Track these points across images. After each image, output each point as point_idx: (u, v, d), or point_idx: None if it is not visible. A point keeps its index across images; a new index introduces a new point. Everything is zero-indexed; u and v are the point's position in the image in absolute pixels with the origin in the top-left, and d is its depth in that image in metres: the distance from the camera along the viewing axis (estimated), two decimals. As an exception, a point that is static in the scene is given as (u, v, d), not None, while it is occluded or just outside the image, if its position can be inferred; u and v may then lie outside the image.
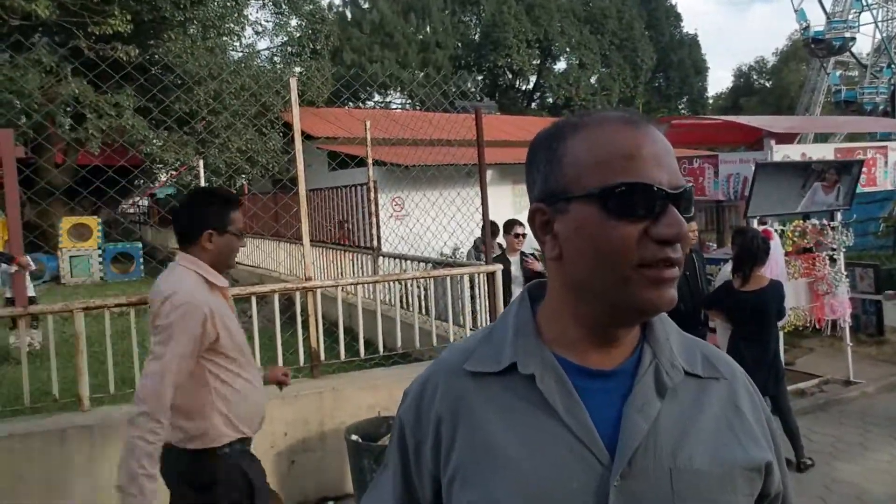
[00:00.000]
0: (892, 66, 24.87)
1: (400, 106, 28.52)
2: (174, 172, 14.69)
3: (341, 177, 9.81)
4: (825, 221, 7.28)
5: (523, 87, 31.30)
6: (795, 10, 24.82)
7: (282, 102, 12.04)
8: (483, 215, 4.86)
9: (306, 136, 9.19)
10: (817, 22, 25.57)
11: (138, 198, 20.18)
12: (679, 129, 8.58)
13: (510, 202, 14.19)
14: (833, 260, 7.22)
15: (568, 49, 28.71)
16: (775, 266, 6.16)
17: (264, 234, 10.77)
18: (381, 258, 6.65)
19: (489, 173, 13.69)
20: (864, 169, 7.51)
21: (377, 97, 29.32)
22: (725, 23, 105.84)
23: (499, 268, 4.90)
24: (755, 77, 53.40)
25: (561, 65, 30.39)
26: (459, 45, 28.88)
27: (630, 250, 0.80)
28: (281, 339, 4.31)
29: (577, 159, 0.85)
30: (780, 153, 6.99)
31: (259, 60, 14.50)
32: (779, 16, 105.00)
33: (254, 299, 4.14)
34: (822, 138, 15.79)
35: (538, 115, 26.65)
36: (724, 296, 4.51)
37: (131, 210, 21.28)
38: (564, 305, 0.89)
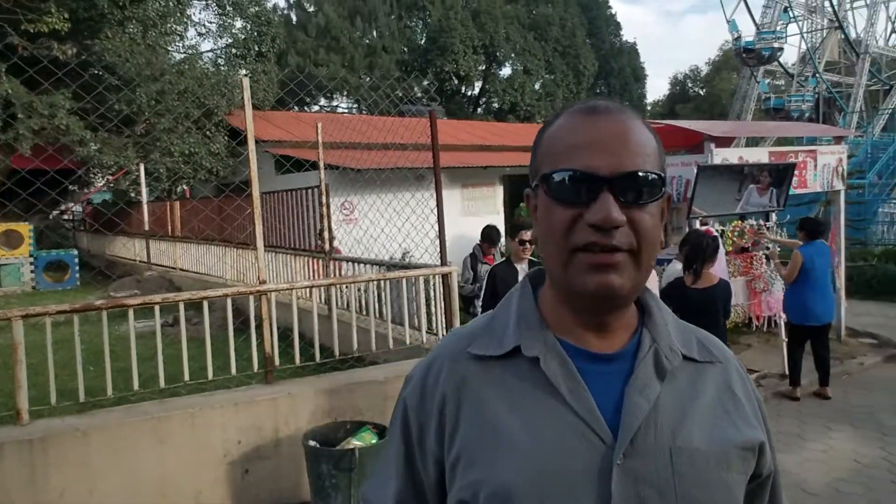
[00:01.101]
0: (817, 75, 26.24)
1: (347, 110, 28.34)
2: (111, 177, 14.16)
3: (291, 180, 9.67)
4: (762, 222, 7.63)
5: (469, 93, 31.57)
6: (728, 21, 25.92)
7: (227, 105, 11.79)
8: (438, 218, 4.88)
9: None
10: (749, 33, 26.80)
11: (73, 203, 19.36)
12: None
13: (459, 206, 14.26)
14: (769, 259, 7.55)
15: (513, 55, 29.12)
16: (717, 265, 6.41)
17: (211, 239, 10.50)
18: (333, 262, 6.59)
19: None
20: (795, 172, 7.90)
21: (323, 101, 29.04)
22: (662, 33, 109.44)
23: (454, 269, 4.92)
24: (690, 85, 55.36)
25: (506, 70, 30.82)
26: (406, 49, 28.91)
27: (565, 234, 0.84)
28: (234, 344, 4.22)
29: (543, 148, 0.91)
30: (720, 156, 7.27)
31: (202, 62, 14.15)
32: (712, 27, 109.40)
33: (206, 304, 4.03)
34: (752, 143, 16.48)
35: (484, 120, 26.90)
36: (675, 292, 4.66)
37: (66, 216, 20.40)
38: (552, 290, 0.93)
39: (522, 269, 4.92)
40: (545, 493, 0.82)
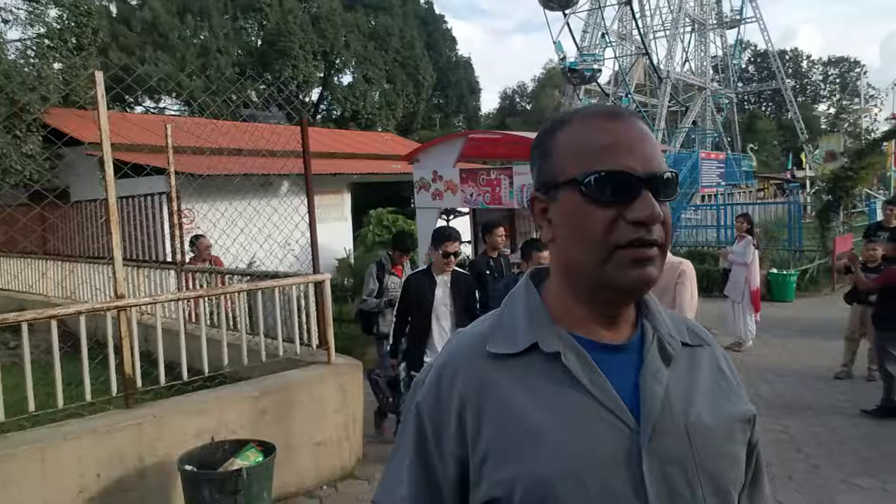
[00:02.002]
0: (629, 95, 29.21)
1: (178, 112, 26.47)
2: None
3: (120, 186, 8.83)
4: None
5: (308, 99, 31.01)
6: (554, 42, 28.05)
7: (42, 102, 10.51)
8: (310, 225, 4.75)
9: (74, 141, 8.15)
10: (573, 54, 29.14)
11: None
12: (476, 142, 9.21)
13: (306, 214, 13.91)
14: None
15: (354, 63, 29.08)
16: None
17: (30, 252, 9.27)
18: (188, 273, 6.14)
19: (285, 184, 13.34)
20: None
21: (149, 102, 26.90)
22: (490, 50, 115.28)
23: (326, 277, 4.81)
24: (518, 100, 58.98)
25: (347, 78, 30.70)
26: (242, 51, 27.71)
27: (606, 233, 0.87)
28: (88, 367, 3.78)
29: (563, 150, 0.93)
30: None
31: (8, 53, 12.47)
32: (534, 46, 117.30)
33: (54, 323, 3.57)
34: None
35: (325, 127, 26.53)
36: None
37: None
38: (565, 287, 0.96)
39: (444, 280, 4.56)
40: (582, 481, 0.85)
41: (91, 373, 3.81)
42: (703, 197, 18.48)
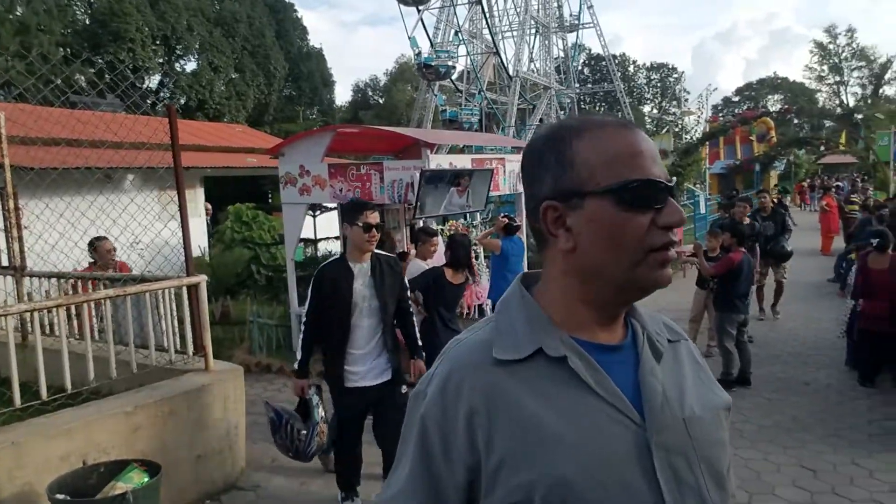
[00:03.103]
0: (482, 92, 30.23)
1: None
2: None
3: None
4: (473, 221, 8.58)
5: (146, 86, 28.71)
6: (409, 38, 28.28)
7: None
8: (182, 224, 4.43)
9: None
10: (428, 49, 29.52)
11: None
12: (344, 136, 9.04)
13: (157, 210, 12.92)
14: (477, 254, 8.52)
15: (198, 49, 27.33)
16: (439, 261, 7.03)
17: None
18: (27, 279, 5.46)
19: (130, 178, 12.29)
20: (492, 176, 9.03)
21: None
22: (339, 42, 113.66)
23: (202, 279, 4.52)
24: (371, 93, 58.82)
25: (191, 65, 28.80)
26: (67, 31, 24.99)
27: (642, 237, 0.93)
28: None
29: (588, 160, 0.95)
30: (434, 162, 7.92)
31: None
32: (387, 40, 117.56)
33: None
34: (446, 150, 18.18)
35: (166, 117, 24.69)
36: (437, 283, 5.04)
37: None
38: (573, 291, 0.99)
39: (363, 269, 3.76)
40: (599, 478, 0.89)
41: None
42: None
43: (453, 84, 31.47)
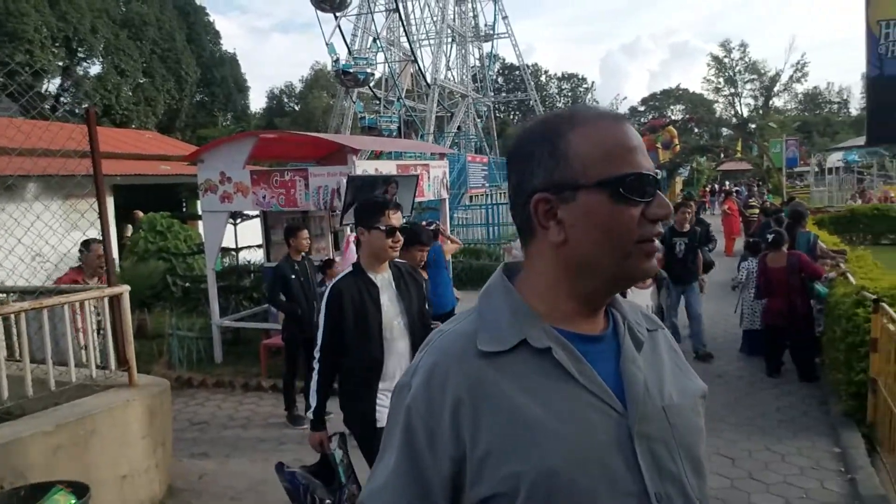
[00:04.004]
0: (400, 99, 30.29)
1: None
2: None
3: None
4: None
5: (45, 89, 27.01)
6: (327, 44, 27.99)
7: None
8: (103, 232, 4.22)
9: None
10: (345, 56, 29.28)
11: None
12: (266, 142, 8.85)
13: (63, 220, 12.17)
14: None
15: (103, 52, 25.96)
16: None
17: None
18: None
19: (32, 187, 11.53)
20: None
21: None
22: (255, 47, 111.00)
23: (125, 289, 4.32)
24: (286, 100, 57.77)
25: (96, 68, 27.31)
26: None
27: (634, 230, 0.95)
28: None
29: (581, 153, 0.95)
30: (361, 168, 7.89)
31: None
32: (302, 47, 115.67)
33: None
34: (366, 156, 18.11)
35: (66, 122, 23.36)
36: None
37: None
38: (560, 283, 1.00)
39: (386, 280, 3.10)
40: (584, 467, 0.90)
41: None
42: (470, 198, 19.87)
43: (372, 91, 31.38)
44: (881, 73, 3.31)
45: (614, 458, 0.92)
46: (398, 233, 3.02)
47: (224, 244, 9.11)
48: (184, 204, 17.03)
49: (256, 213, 9.07)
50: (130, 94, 26.62)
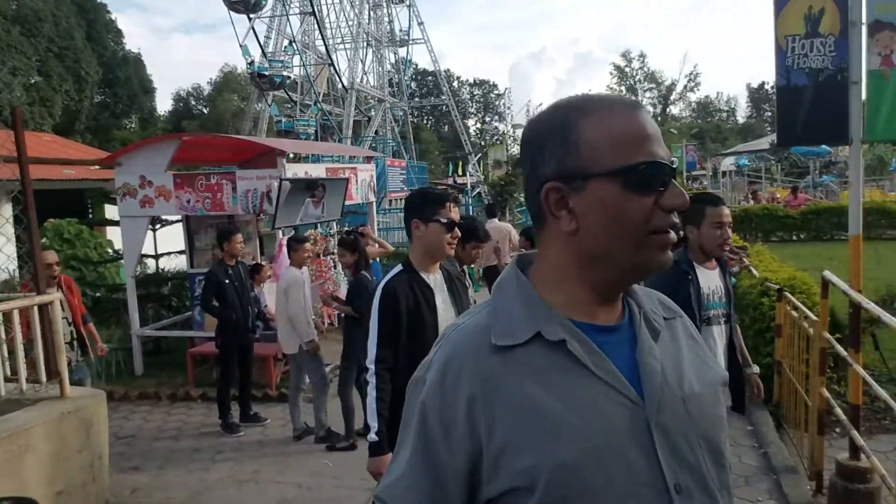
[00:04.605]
0: (317, 103, 29.88)
1: None
2: None
3: None
4: (330, 230, 8.55)
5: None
6: (241, 46, 27.21)
7: None
8: (30, 239, 4.03)
9: None
10: (260, 58, 28.54)
11: None
12: (190, 145, 8.59)
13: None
14: (336, 263, 8.51)
15: (-9, 48, 24.18)
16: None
17: None
18: None
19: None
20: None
21: None
22: (158, 48, 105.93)
23: (55, 297, 4.14)
24: (194, 103, 55.62)
25: (-17, 66, 25.34)
26: None
27: (647, 219, 0.93)
28: None
29: (593, 141, 0.93)
30: (291, 171, 7.82)
31: None
32: (209, 49, 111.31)
33: None
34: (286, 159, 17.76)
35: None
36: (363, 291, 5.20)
37: None
38: (573, 273, 0.98)
39: (439, 282, 2.83)
40: (602, 460, 0.89)
41: None
42: (390, 201, 19.94)
43: (287, 94, 30.79)
44: (788, 82, 3.67)
45: (632, 450, 0.91)
46: (457, 228, 2.77)
47: (144, 250, 8.77)
48: (90, 209, 16.15)
49: (177, 218, 8.78)
50: (23, 93, 24.88)
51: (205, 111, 53.24)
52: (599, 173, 0.93)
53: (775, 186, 29.57)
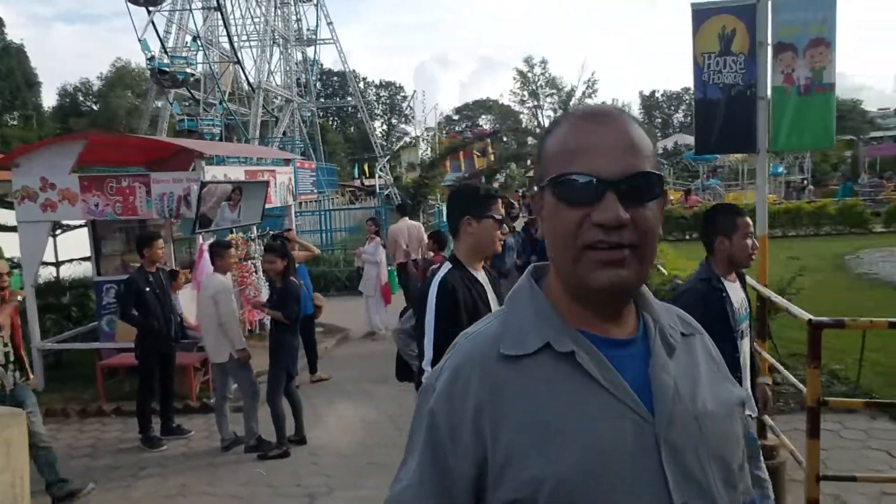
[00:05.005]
0: (223, 102, 28.84)
1: None
2: None
3: None
4: (251, 235, 8.32)
5: None
6: (140, 40, 25.77)
7: None
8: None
9: None
10: (159, 54, 27.15)
11: None
12: (97, 145, 8.10)
13: None
14: (257, 268, 8.31)
15: None
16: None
17: None
18: None
19: None
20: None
21: None
22: (43, 38, 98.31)
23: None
24: (82, 98, 52.17)
25: None
26: None
27: (575, 233, 0.91)
28: None
29: (547, 152, 0.97)
30: (210, 173, 7.55)
31: None
32: (103, 42, 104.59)
33: None
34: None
35: None
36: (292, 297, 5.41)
37: None
38: (563, 284, 0.98)
39: (485, 280, 2.85)
40: (606, 475, 0.88)
41: None
42: (300, 204, 19.61)
43: (190, 92, 29.52)
44: (704, 96, 4.01)
45: (638, 466, 0.89)
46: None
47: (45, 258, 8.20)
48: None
49: (81, 223, 8.27)
50: None
51: (95, 108, 50.06)
52: (544, 184, 0.96)
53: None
